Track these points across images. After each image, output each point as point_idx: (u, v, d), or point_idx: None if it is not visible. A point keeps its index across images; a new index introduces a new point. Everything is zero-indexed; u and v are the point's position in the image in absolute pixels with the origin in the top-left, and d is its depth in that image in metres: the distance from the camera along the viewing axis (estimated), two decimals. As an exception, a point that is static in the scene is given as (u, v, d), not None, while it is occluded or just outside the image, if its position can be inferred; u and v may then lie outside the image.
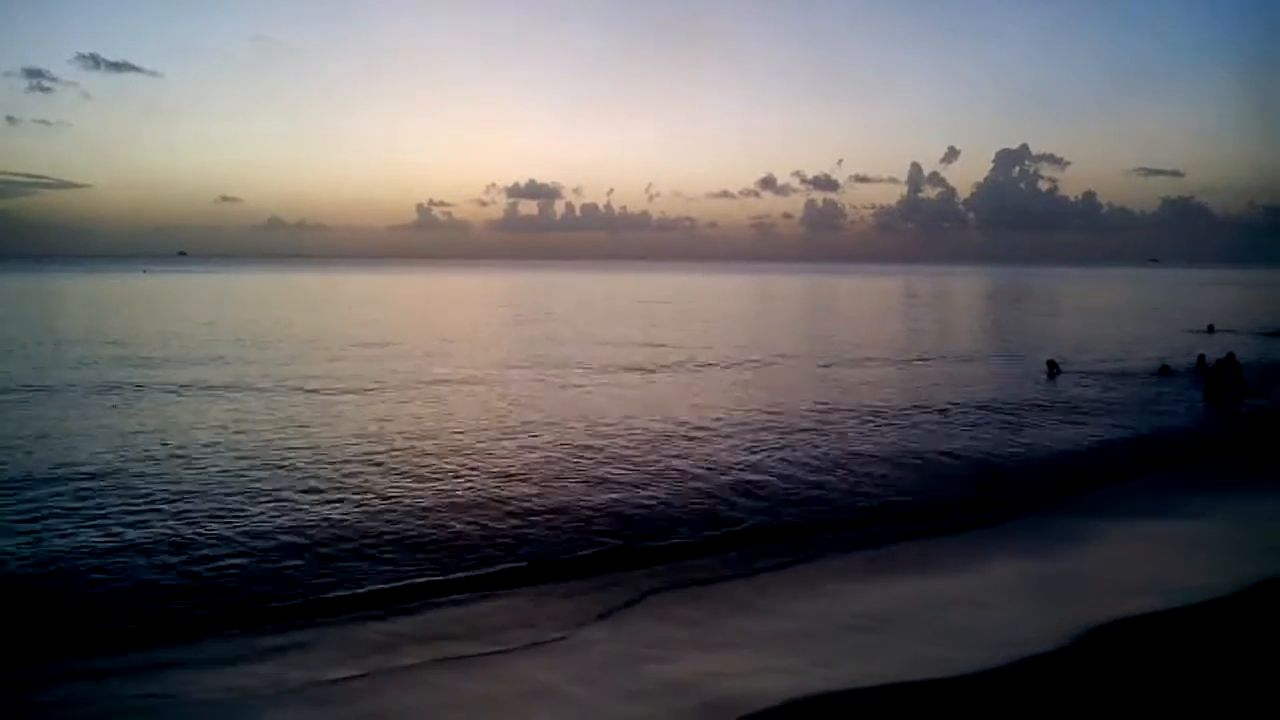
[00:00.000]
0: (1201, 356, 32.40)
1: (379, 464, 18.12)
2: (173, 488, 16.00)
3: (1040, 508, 15.97)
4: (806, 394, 28.13)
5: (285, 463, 18.06)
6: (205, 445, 19.50)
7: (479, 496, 15.83)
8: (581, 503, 15.53)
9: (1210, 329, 52.27)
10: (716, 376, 32.60)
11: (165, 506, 14.89)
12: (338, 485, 16.42)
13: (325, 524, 14.13)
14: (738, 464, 18.59)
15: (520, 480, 17.01)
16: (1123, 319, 66.33)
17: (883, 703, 8.60)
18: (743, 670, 9.52)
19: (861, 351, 41.38)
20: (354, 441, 20.15)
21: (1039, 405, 26.31)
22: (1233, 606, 10.83)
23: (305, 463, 18.08)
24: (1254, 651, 9.50)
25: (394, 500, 15.51)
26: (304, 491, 15.95)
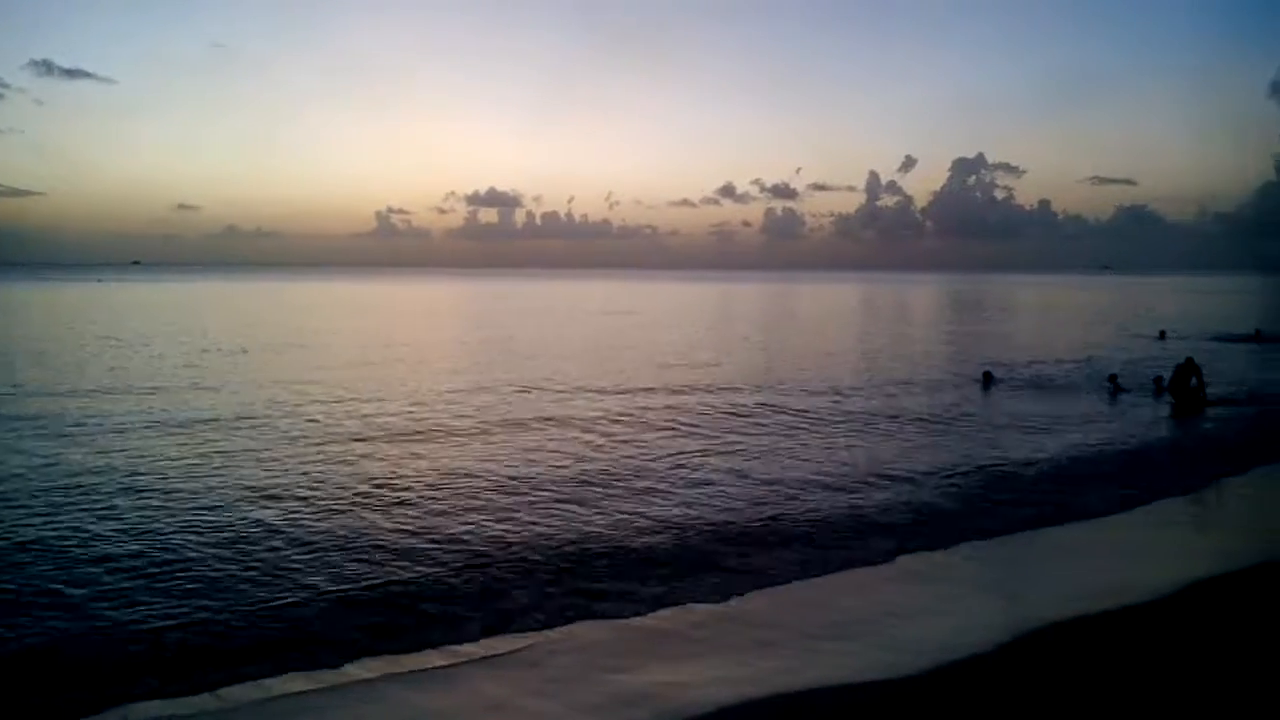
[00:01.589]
0: (1159, 378, 30.30)
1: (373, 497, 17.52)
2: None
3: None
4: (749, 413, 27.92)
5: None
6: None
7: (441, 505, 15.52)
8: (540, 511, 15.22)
9: (1162, 335, 53.02)
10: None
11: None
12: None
13: (259, 527, 13.73)
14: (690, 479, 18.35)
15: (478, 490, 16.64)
16: (1073, 326, 67.09)
17: (828, 704, 8.85)
18: (702, 680, 9.39)
19: (791, 361, 41.30)
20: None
21: (966, 415, 25.58)
22: (1165, 609, 11.16)
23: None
24: (1179, 650, 9.78)
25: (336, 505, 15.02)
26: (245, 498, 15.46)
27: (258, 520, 14.52)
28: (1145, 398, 28.96)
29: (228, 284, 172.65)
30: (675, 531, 14.43)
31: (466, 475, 17.90)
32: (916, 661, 9.69)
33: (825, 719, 8.61)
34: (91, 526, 14.11)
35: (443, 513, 15.22)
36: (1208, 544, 14.73)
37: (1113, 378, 31.64)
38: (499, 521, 14.72)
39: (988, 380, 32.67)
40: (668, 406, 26.76)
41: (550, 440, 21.58)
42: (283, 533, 13.88)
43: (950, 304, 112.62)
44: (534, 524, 14.60)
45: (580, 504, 15.91)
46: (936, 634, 10.50)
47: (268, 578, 11.99)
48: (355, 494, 16.26)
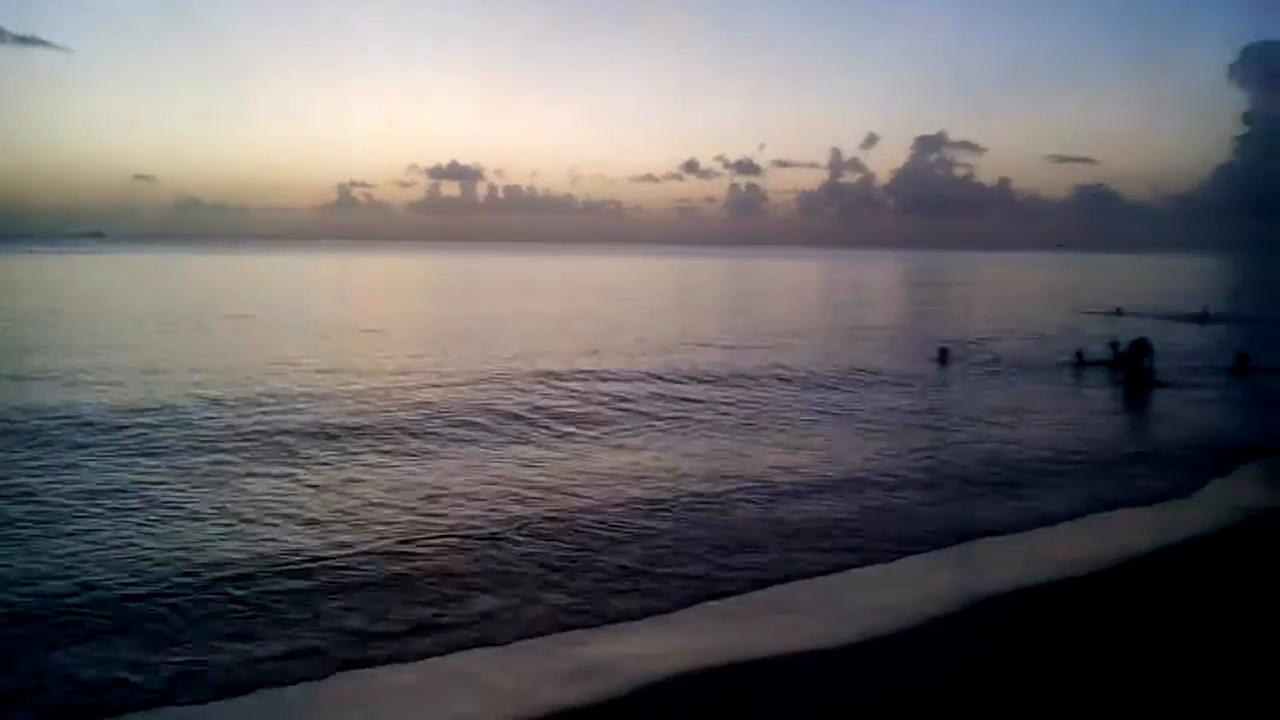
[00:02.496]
0: (1111, 343, 31.48)
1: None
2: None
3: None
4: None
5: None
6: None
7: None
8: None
9: (1118, 312, 54.02)
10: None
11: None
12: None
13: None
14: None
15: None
16: (1032, 303, 68.07)
17: (770, 668, 9.30)
18: (662, 651, 9.66)
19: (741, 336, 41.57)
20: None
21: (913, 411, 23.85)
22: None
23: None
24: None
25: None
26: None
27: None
28: (1100, 378, 29.51)
29: (183, 257, 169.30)
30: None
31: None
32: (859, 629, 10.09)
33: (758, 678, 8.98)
34: None
35: (377, 504, 15.26)
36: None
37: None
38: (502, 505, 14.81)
39: (944, 357, 33.10)
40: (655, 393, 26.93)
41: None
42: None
43: (910, 281, 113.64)
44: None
45: (560, 491, 16.01)
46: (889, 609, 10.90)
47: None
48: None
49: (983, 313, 59.02)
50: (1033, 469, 17.60)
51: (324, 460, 17.08)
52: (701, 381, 27.02)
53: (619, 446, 18.94)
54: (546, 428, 20.55)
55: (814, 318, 55.26)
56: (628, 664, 9.36)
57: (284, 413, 21.19)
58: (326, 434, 19.15)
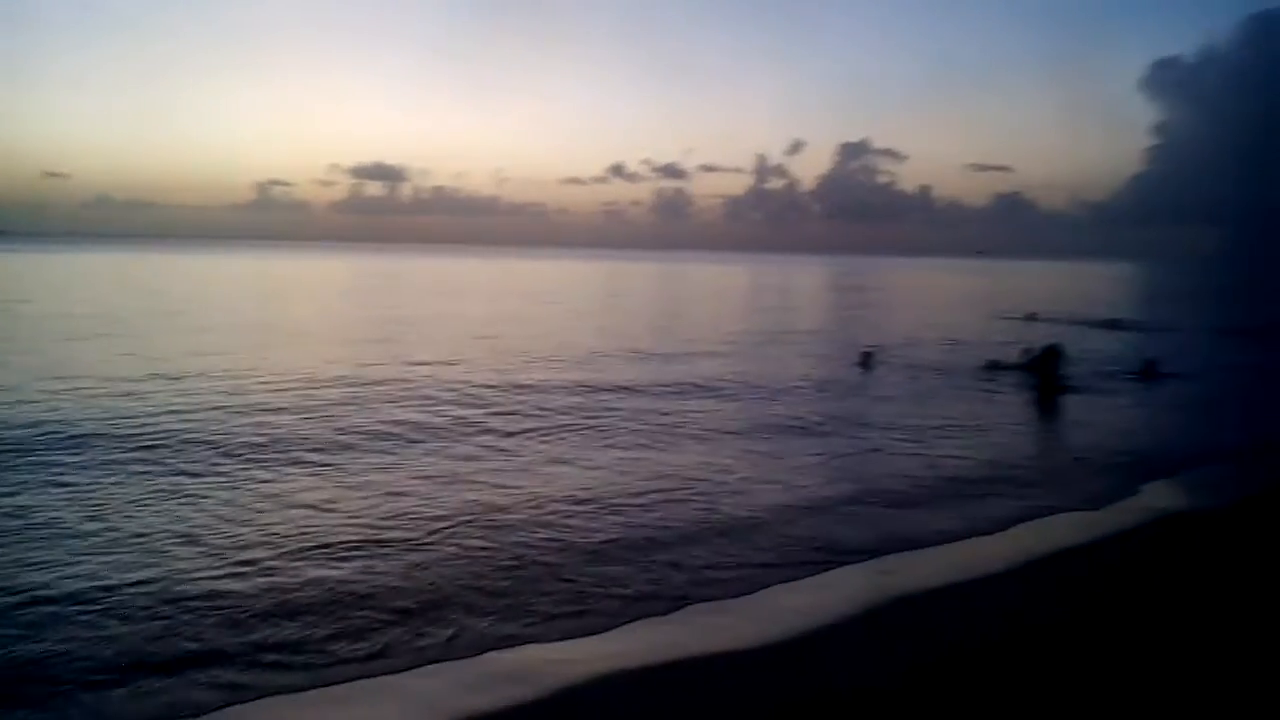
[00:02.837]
0: (1025, 349, 32.13)
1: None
2: None
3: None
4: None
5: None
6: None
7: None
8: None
9: (1033, 318, 55.28)
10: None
11: None
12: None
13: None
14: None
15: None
16: (951, 309, 69.48)
17: (685, 670, 9.42)
18: (587, 656, 9.64)
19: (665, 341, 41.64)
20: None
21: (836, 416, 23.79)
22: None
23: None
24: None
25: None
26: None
27: None
28: (1014, 382, 29.99)
29: (92, 256, 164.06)
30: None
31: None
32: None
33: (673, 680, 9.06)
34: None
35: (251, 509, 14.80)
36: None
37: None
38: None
39: (866, 361, 33.52)
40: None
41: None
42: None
43: (835, 286, 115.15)
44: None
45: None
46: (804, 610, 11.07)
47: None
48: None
49: (904, 318, 59.98)
50: (946, 478, 17.68)
51: (221, 474, 16.27)
52: (622, 390, 26.80)
53: (536, 455, 18.61)
54: (451, 438, 20.24)
55: (738, 323, 55.56)
56: (548, 669, 9.31)
57: (170, 424, 20.05)
58: (217, 448, 18.03)
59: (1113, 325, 52.45)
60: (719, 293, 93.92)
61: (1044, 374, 28.96)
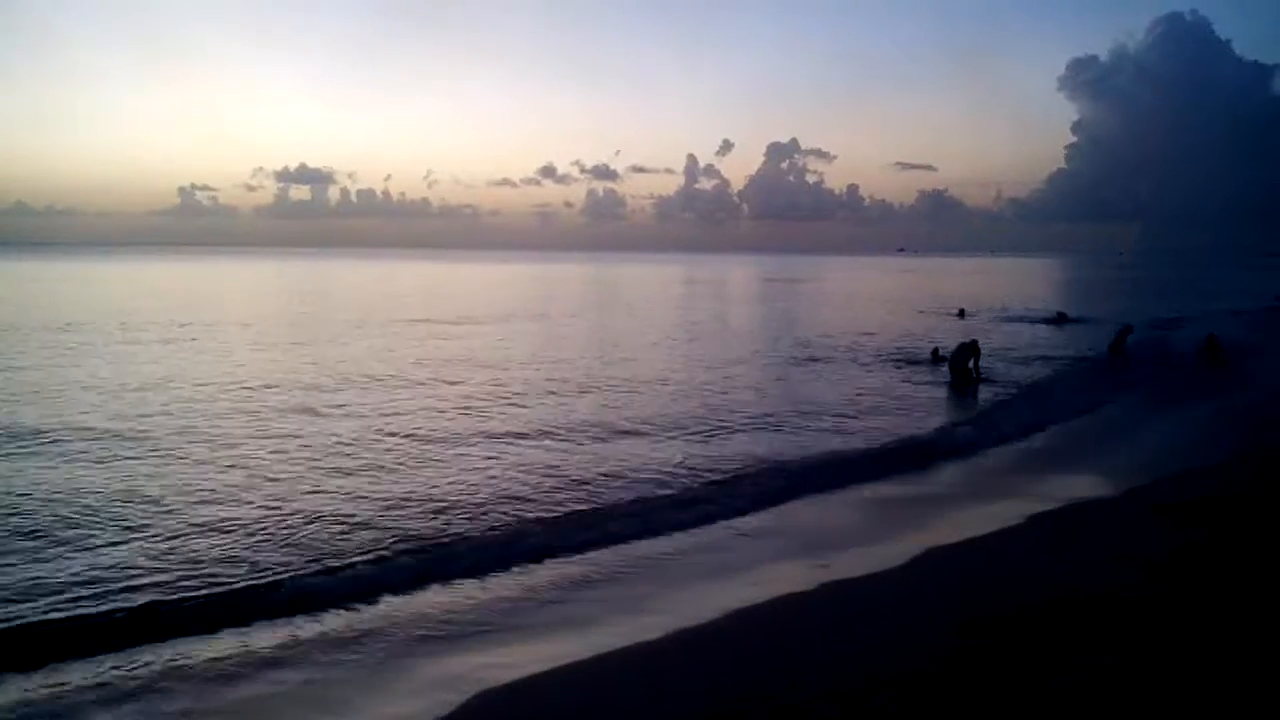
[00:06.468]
0: (935, 349, 33.83)
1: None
2: None
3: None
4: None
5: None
6: None
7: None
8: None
9: (961, 314, 56.26)
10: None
11: None
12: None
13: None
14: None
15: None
16: (878, 305, 70.53)
17: (614, 665, 9.44)
18: (520, 660, 9.57)
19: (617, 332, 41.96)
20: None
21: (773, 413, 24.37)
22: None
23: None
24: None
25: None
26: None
27: None
28: (930, 375, 30.95)
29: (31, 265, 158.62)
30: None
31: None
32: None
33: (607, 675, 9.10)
34: None
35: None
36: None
37: (934, 351, 33.87)
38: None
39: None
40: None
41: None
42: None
43: (764, 285, 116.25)
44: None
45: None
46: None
47: None
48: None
49: (834, 315, 60.75)
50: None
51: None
52: (549, 392, 27.08)
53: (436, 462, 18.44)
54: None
55: (670, 321, 55.88)
56: (474, 673, 9.31)
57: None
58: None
59: (1055, 321, 51.00)
60: (652, 294, 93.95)
61: (959, 367, 29.85)
